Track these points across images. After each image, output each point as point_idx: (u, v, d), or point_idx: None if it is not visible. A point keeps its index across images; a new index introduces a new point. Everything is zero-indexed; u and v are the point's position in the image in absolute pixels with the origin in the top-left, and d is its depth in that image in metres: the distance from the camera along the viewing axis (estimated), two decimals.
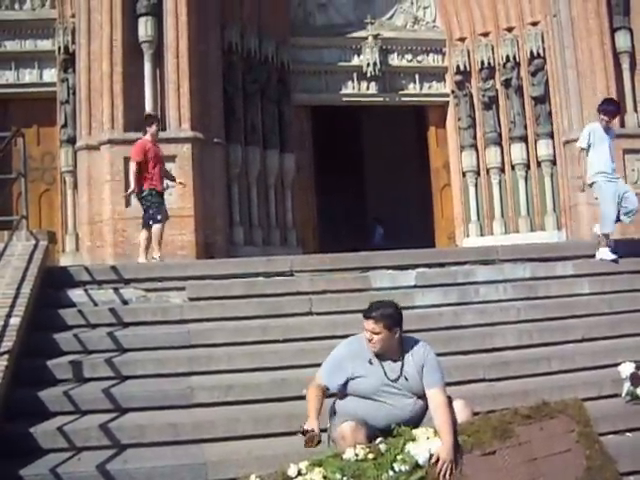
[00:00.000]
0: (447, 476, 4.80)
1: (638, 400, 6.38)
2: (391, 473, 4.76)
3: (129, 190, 10.76)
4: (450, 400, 5.21)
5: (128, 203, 11.84)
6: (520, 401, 6.00)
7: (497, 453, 5.08)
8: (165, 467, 5.49)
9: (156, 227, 10.50)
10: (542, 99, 15.46)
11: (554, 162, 15.42)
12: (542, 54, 15.52)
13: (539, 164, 15.62)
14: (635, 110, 14.65)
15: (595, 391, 6.66)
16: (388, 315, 5.12)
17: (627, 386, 6.49)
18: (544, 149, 15.46)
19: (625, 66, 14.76)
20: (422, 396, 5.21)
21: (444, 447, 4.81)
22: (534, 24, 15.70)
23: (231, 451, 5.74)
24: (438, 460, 4.77)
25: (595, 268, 9.07)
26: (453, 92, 16.36)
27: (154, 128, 10.82)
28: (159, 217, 10.49)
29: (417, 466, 4.81)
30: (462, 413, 5.23)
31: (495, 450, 5.08)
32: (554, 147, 15.38)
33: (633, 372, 6.49)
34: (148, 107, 12.46)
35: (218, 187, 13.36)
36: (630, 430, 6.18)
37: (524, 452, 5.16)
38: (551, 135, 15.42)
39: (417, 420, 5.20)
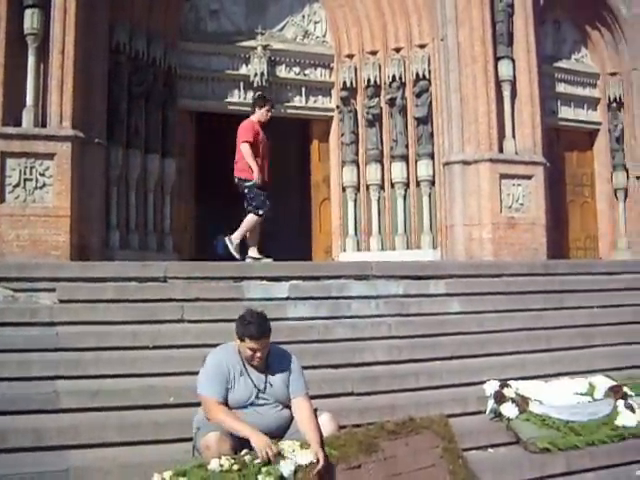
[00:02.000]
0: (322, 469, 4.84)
1: (501, 417, 6.50)
2: None
3: (255, 175, 10.19)
4: (316, 413, 5.22)
5: (2, 199, 11.32)
6: (387, 415, 6.07)
7: (362, 467, 5.13)
8: (26, 474, 5.27)
9: (251, 216, 10.29)
10: (425, 120, 15.68)
11: (433, 182, 15.66)
12: (428, 76, 15.72)
13: (418, 183, 15.81)
14: (513, 137, 15.05)
15: (461, 407, 6.77)
16: (270, 329, 5.17)
17: (491, 404, 6.62)
18: (424, 169, 15.67)
19: (506, 94, 15.15)
20: (288, 405, 5.20)
21: (316, 451, 4.86)
22: (422, 46, 15.91)
23: (96, 458, 5.56)
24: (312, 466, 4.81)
25: (466, 288, 9.22)
26: (338, 107, 16.41)
27: (264, 111, 10.49)
28: (260, 212, 10.25)
29: (282, 478, 4.77)
30: (328, 426, 5.25)
31: (360, 464, 5.13)
32: (434, 167, 15.62)
33: (497, 390, 6.63)
34: (29, 101, 11.96)
35: (96, 188, 12.95)
36: (492, 446, 6.33)
37: (389, 466, 5.20)
38: (432, 156, 15.64)
39: (283, 430, 5.18)
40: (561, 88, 18.12)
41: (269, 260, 10.17)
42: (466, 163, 14.74)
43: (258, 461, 4.78)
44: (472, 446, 6.18)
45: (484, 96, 14.76)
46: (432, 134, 15.67)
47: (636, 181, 18.65)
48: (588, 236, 18.70)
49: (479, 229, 14.42)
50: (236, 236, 10.25)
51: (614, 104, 18.74)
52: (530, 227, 14.85)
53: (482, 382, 6.90)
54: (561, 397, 6.80)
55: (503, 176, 14.63)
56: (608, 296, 9.85)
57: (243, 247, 10.47)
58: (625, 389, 7.00)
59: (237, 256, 10.15)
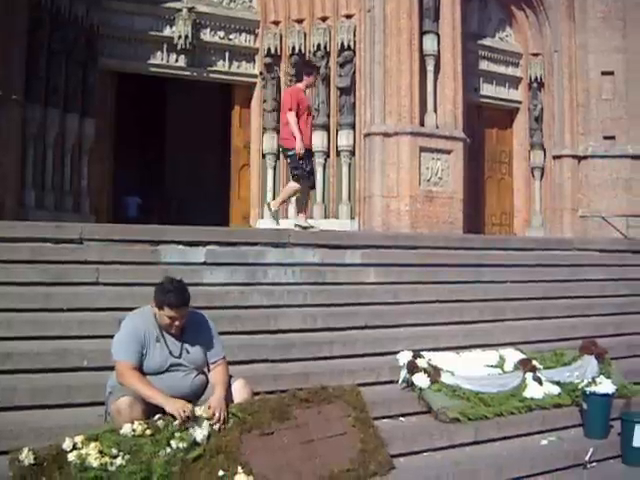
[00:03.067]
0: (220, 424, 4.92)
1: (413, 387, 6.57)
2: (168, 450, 4.74)
3: (298, 145, 9.93)
4: (230, 379, 5.22)
5: None
6: (301, 383, 6.08)
7: (275, 434, 5.17)
8: None
9: (292, 183, 10.17)
10: (348, 90, 15.65)
11: (353, 153, 15.70)
12: (353, 47, 15.68)
13: (338, 153, 15.83)
14: (435, 111, 15.17)
15: (374, 377, 6.82)
16: (189, 298, 5.13)
17: (404, 373, 6.68)
18: (345, 139, 15.68)
19: (430, 68, 15.24)
20: (203, 371, 5.18)
21: (216, 397, 4.97)
22: (348, 17, 15.86)
23: (5, 422, 5.37)
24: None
25: (382, 259, 9.27)
26: (261, 74, 16.26)
27: (311, 79, 10.43)
28: (301, 180, 10.08)
29: (195, 444, 4.79)
30: (242, 392, 5.26)
31: (273, 431, 5.18)
32: (355, 138, 15.65)
33: (410, 360, 6.69)
34: None
35: (12, 146, 12.61)
36: (404, 415, 6.40)
37: (301, 434, 5.25)
38: (353, 126, 15.65)
39: (197, 396, 5.16)
40: (484, 66, 18.33)
41: (316, 229, 10.14)
42: (387, 135, 14.81)
43: (176, 423, 4.77)
44: (384, 415, 6.23)
45: (408, 69, 14.83)
46: (354, 105, 15.68)
47: (553, 161, 19.04)
48: (504, 212, 19.06)
49: (397, 201, 14.53)
50: (275, 202, 10.24)
51: (535, 84, 19.09)
52: (448, 201, 15.03)
53: (395, 352, 6.94)
54: (472, 369, 6.91)
55: (423, 149, 14.76)
56: (520, 271, 10.02)
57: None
58: (534, 362, 7.15)
59: (276, 223, 10.21)
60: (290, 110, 9.94)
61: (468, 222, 15.87)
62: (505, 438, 6.43)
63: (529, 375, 6.94)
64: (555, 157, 19.09)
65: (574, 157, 19.08)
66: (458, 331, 8.09)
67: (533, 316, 9.01)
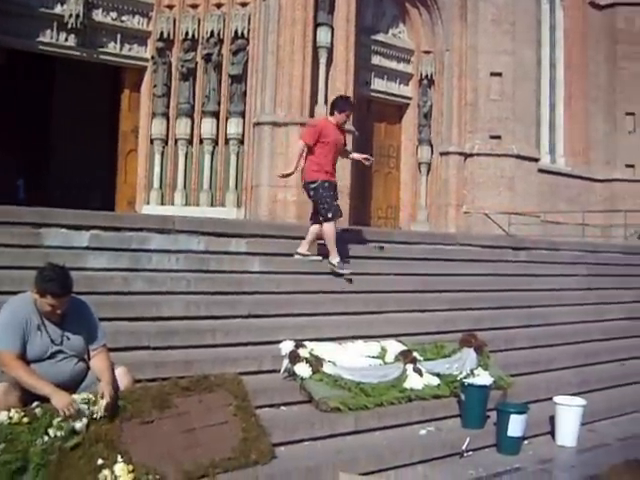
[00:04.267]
0: (109, 409, 4.82)
1: (295, 377, 6.57)
2: (46, 438, 4.62)
3: (286, 172, 9.53)
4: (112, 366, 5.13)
5: None
6: (183, 371, 6.02)
7: (155, 422, 5.11)
8: None
9: (327, 226, 9.08)
10: (239, 78, 15.60)
11: (242, 141, 15.66)
12: (246, 35, 15.67)
13: (227, 141, 15.77)
14: (326, 103, 15.21)
15: (256, 366, 6.79)
16: (72, 286, 4.99)
17: (286, 363, 6.68)
18: (234, 127, 15.63)
19: (322, 60, 15.34)
20: (84, 358, 5.06)
21: (106, 381, 4.90)
22: (243, 5, 15.84)
23: None
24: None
25: (267, 248, 9.23)
26: (153, 58, 16.04)
27: (344, 116, 9.37)
28: (330, 215, 9.09)
29: (73, 432, 4.68)
30: (123, 380, 5.20)
31: (154, 419, 5.12)
32: (244, 127, 15.61)
33: (292, 350, 6.69)
34: None
35: None
36: (285, 404, 6.40)
37: (182, 422, 5.21)
38: (243, 115, 15.63)
39: (78, 383, 5.05)
40: (377, 60, 18.55)
41: (318, 258, 9.40)
42: (276, 125, 14.83)
43: (60, 419, 4.64)
44: (266, 404, 6.21)
45: (300, 60, 14.88)
46: (245, 93, 15.67)
47: (440, 157, 19.39)
48: (390, 206, 19.31)
49: (284, 191, 14.56)
50: (331, 257, 9.13)
51: (425, 81, 19.45)
52: None
53: (278, 342, 6.92)
54: (354, 359, 6.95)
55: None
56: (404, 264, 10.15)
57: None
58: (414, 354, 7.24)
59: (344, 272, 9.09)
60: (300, 139, 9.50)
61: (355, 215, 16.00)
62: (385, 428, 6.50)
63: (410, 366, 7.03)
64: (442, 154, 19.49)
65: (460, 154, 19.54)
66: (341, 322, 8.14)
67: (415, 309, 9.15)
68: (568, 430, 7.10)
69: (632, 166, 24.93)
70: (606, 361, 9.69)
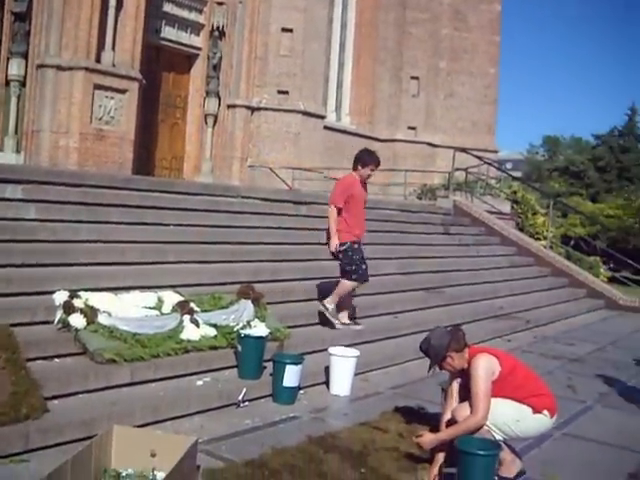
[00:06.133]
0: None
1: (69, 328, 6.42)
2: None
3: (332, 244, 8.80)
4: None
5: None
6: None
7: None
8: None
9: (347, 282, 8.76)
10: (23, 17, 14.85)
11: (24, 84, 14.94)
12: None
13: (8, 83, 15.00)
14: (113, 49, 14.85)
15: (28, 317, 6.56)
16: None
17: (60, 314, 6.51)
18: (15, 69, 14.91)
19: (112, 4, 14.93)
20: None
21: None
22: None
23: None
24: None
25: (45, 195, 8.92)
26: None
27: (368, 170, 8.88)
28: (354, 277, 8.74)
29: None
30: None
31: None
32: (26, 68, 14.90)
33: (66, 300, 6.53)
34: None
35: None
36: (59, 356, 6.24)
37: None
38: (25, 56, 14.90)
39: None
40: (168, 8, 18.24)
41: (360, 327, 9.05)
42: (61, 68, 14.30)
43: None
44: (38, 356, 6.03)
45: (89, 3, 14.41)
46: (29, 33, 14.91)
47: (227, 109, 19.37)
48: (175, 157, 19.14)
49: (66, 137, 14.12)
50: (329, 300, 8.84)
51: (217, 32, 19.33)
52: (119, 141, 14.82)
53: (52, 292, 6.72)
54: (130, 310, 6.87)
55: (97, 87, 14.45)
56: (185, 215, 10.11)
57: None
58: (192, 305, 7.26)
59: (335, 322, 8.82)
60: (330, 204, 8.97)
61: (139, 164, 15.77)
62: (162, 379, 6.47)
63: (187, 317, 7.04)
64: (229, 106, 19.48)
65: (248, 108, 19.60)
66: (118, 272, 8.00)
67: (194, 260, 9.15)
68: (342, 380, 7.32)
69: (414, 128, 25.99)
70: (380, 314, 10.13)
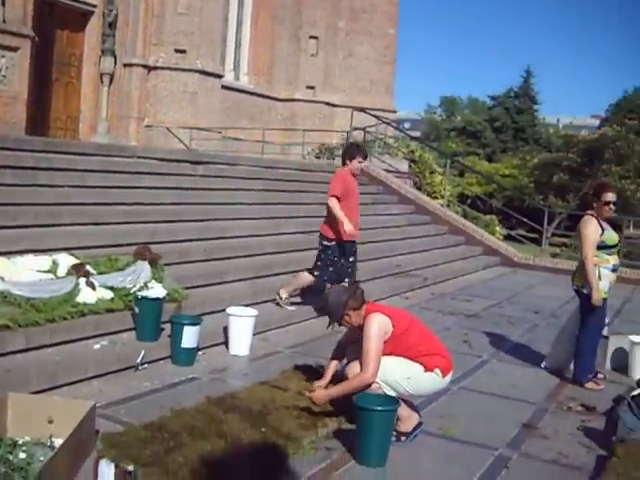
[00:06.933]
0: None
1: None
2: None
3: (347, 228, 8.56)
4: None
5: None
6: None
7: None
8: None
9: (306, 278, 8.95)
10: None
11: None
12: None
13: None
14: (3, 4, 14.39)
15: None
16: None
17: None
18: None
19: None
20: None
21: None
22: None
23: None
24: None
25: None
26: None
27: (355, 163, 8.82)
28: (316, 273, 8.88)
29: None
30: None
31: None
32: None
33: None
34: None
35: None
36: None
37: None
38: None
39: None
40: None
41: (292, 308, 9.01)
42: None
43: None
44: None
45: None
46: None
47: (123, 68, 19.00)
48: (70, 117, 18.69)
49: None
50: (284, 290, 8.99)
51: None
52: (11, 101, 14.40)
53: None
54: (24, 274, 6.72)
55: None
56: (80, 176, 9.89)
57: None
58: (88, 267, 7.11)
59: (290, 308, 8.83)
60: (334, 197, 8.72)
61: (32, 124, 15.38)
62: (58, 344, 6.36)
63: (82, 280, 6.91)
64: (126, 65, 19.13)
65: (144, 67, 19.30)
66: (11, 235, 7.78)
67: (90, 222, 8.96)
68: (241, 340, 7.35)
69: (313, 87, 26.02)
70: (279, 273, 10.13)
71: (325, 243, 8.89)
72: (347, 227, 8.57)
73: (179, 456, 4.45)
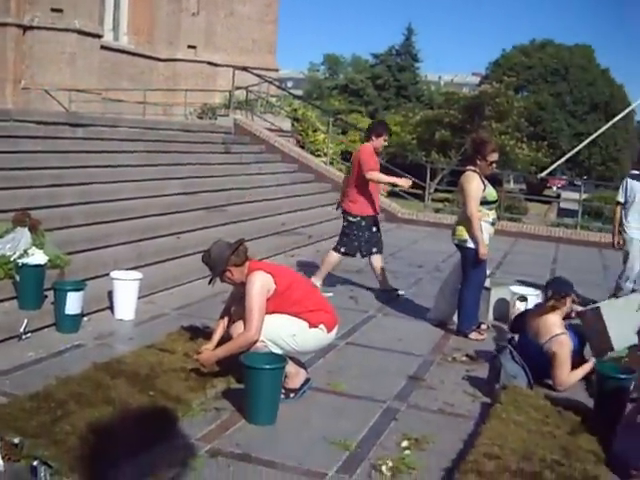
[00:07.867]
0: None
1: None
2: None
3: (402, 182, 8.96)
4: None
5: None
6: None
7: None
8: None
9: (335, 254, 9.20)
10: None
11: None
12: None
13: None
14: None
15: None
16: None
17: None
18: None
19: None
20: None
21: None
22: None
23: None
24: None
25: None
26: None
27: (382, 140, 8.97)
28: (343, 250, 9.21)
29: None
30: None
31: None
32: None
33: None
34: None
35: None
36: None
37: None
38: None
39: None
40: None
41: (330, 294, 8.57)
42: None
43: None
44: None
45: None
46: None
47: None
48: None
49: None
50: (316, 278, 9.06)
51: None
52: None
53: None
54: None
55: None
56: None
57: None
58: None
59: (328, 295, 8.00)
60: (371, 170, 8.80)
61: None
62: None
63: None
64: None
65: (19, 27, 18.66)
66: None
67: None
68: (126, 304, 7.29)
69: (194, 47, 25.72)
70: (163, 235, 10.04)
71: (350, 219, 9.12)
72: (403, 182, 8.93)
73: (66, 425, 4.39)
